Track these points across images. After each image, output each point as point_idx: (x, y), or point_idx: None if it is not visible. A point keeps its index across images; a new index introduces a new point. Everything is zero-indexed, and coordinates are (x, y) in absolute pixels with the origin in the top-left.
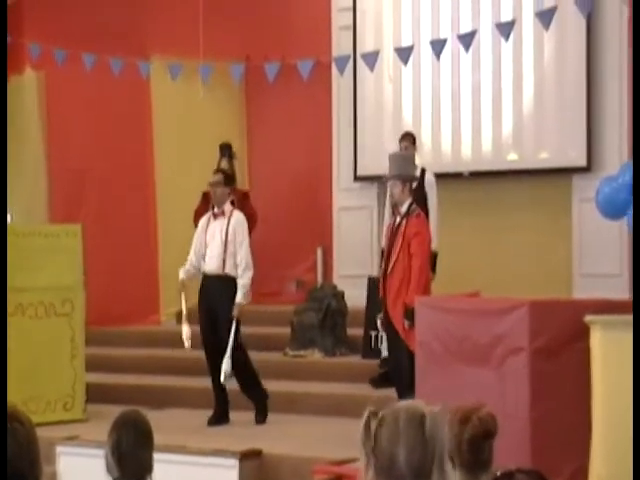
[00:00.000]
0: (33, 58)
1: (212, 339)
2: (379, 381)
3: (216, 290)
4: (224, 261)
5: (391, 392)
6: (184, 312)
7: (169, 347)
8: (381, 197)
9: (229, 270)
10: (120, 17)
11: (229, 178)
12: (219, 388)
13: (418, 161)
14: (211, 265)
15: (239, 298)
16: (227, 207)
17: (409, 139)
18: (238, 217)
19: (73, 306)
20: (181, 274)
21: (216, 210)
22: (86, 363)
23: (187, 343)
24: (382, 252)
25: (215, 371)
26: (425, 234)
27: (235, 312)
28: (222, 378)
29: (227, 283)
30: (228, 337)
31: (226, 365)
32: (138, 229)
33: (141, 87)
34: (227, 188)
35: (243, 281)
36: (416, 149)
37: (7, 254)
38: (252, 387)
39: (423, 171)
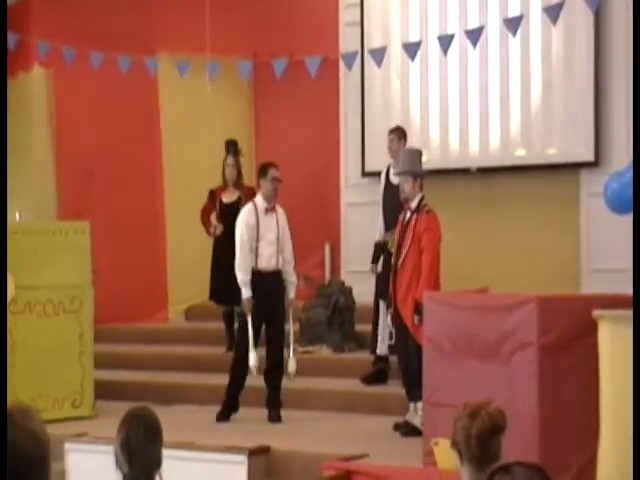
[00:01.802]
0: (41, 56)
1: (258, 333)
2: (371, 379)
3: (274, 287)
4: (278, 258)
5: (394, 387)
6: (251, 338)
7: (177, 344)
8: None
9: (280, 266)
10: (127, 14)
11: None
12: (239, 384)
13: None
14: (270, 262)
15: (292, 295)
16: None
17: (397, 132)
18: (283, 213)
19: (81, 303)
20: (247, 292)
21: (268, 205)
22: (94, 360)
23: (254, 370)
24: (375, 245)
25: (246, 367)
26: (436, 229)
27: (290, 309)
28: (291, 377)
29: (281, 279)
30: (280, 333)
31: (292, 366)
32: (146, 226)
33: (149, 84)
34: None
35: (295, 279)
36: (405, 143)
37: (16, 252)
38: (279, 389)
39: (388, 168)
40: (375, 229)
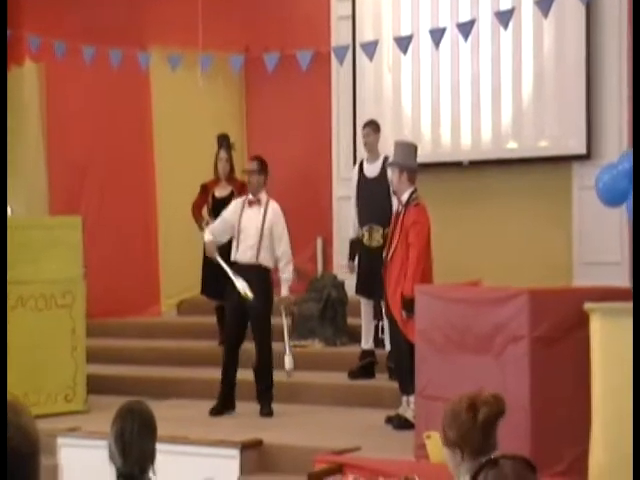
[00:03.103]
0: (33, 50)
1: (237, 332)
2: (357, 374)
3: (250, 280)
4: (258, 252)
5: (386, 380)
6: (229, 270)
7: (170, 338)
8: None
9: (262, 261)
10: (119, 8)
11: (264, 166)
12: (229, 382)
13: (380, 149)
14: (244, 255)
15: (284, 292)
16: (263, 196)
17: (371, 126)
18: (275, 209)
19: (74, 298)
20: (208, 235)
21: (251, 197)
22: (87, 355)
23: (249, 293)
24: (350, 242)
25: (231, 363)
26: (423, 223)
27: (284, 305)
28: (287, 376)
29: (260, 273)
30: (261, 331)
31: (289, 363)
32: (138, 220)
33: (140, 78)
34: (262, 176)
35: (286, 275)
36: (379, 137)
37: (8, 247)
38: (269, 385)
39: (386, 159)
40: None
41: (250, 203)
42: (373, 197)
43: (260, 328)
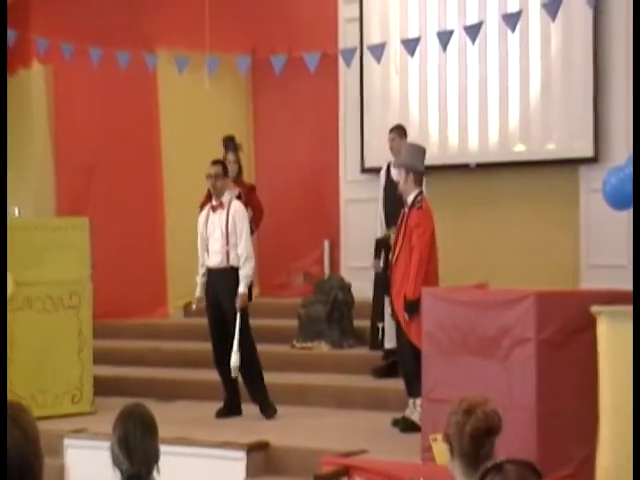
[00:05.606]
0: (40, 52)
1: (220, 333)
2: (381, 372)
3: (221, 284)
4: (227, 253)
5: (393, 383)
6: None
7: (177, 340)
8: None
9: (232, 262)
10: (126, 10)
11: (226, 169)
12: (228, 381)
13: None
14: (215, 259)
15: (241, 289)
16: (225, 198)
17: (397, 131)
18: (236, 207)
19: (80, 299)
20: (198, 292)
21: (214, 202)
22: (94, 356)
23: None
24: (376, 242)
25: (222, 365)
26: (426, 226)
27: (238, 303)
28: (232, 373)
29: (231, 275)
30: (240, 335)
31: (234, 360)
32: (145, 222)
33: (148, 80)
34: (227, 179)
35: (245, 271)
36: (405, 141)
37: (14, 248)
38: (257, 385)
39: (389, 165)
40: (376, 225)
41: (214, 208)
42: (399, 200)
43: (240, 333)
